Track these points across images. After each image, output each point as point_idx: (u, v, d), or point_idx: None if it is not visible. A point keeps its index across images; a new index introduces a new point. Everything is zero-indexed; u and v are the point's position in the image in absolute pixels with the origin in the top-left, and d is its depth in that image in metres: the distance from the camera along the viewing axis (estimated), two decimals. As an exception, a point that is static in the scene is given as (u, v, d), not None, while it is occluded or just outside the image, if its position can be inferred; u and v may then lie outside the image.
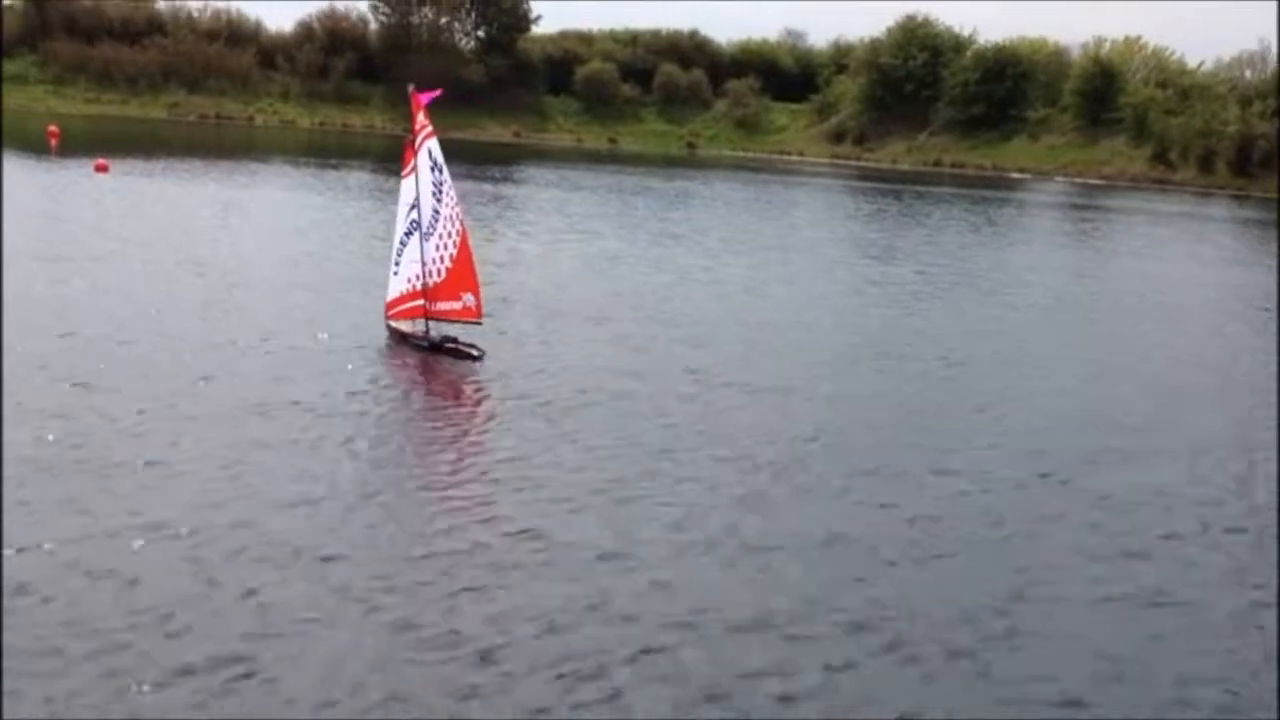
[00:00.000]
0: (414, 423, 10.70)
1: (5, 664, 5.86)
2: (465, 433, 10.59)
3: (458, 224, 12.90)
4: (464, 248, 12.84)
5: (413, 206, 13.18)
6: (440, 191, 12.82)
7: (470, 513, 8.42)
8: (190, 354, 12.21)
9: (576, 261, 22.11)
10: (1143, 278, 27.67)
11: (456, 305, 12.94)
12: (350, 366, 12.39)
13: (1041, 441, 11.81)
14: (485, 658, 6.32)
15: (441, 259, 12.91)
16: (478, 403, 11.50)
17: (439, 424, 10.63)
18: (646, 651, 6.59)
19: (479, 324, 13.08)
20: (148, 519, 7.75)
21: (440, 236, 12.89)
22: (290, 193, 33.33)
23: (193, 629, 6.38)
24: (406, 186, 13.24)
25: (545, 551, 7.81)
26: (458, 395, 11.88)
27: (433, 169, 12.80)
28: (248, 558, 7.38)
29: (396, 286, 13.47)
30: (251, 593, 6.86)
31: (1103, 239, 38.58)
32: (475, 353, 12.80)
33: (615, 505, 8.86)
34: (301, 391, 11.01)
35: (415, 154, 12.95)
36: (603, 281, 19.79)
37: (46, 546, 7.29)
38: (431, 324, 13.30)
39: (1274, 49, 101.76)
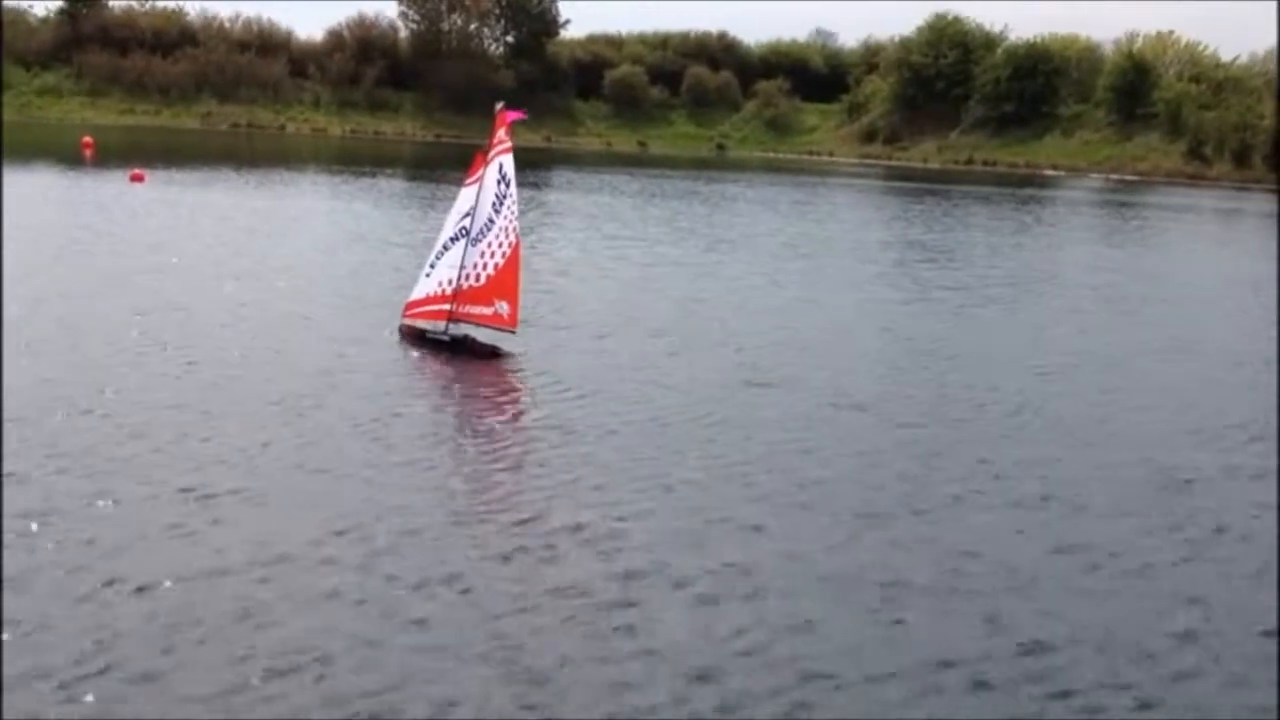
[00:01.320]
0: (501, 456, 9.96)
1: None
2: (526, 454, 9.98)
3: (512, 236, 13.00)
4: (513, 259, 12.94)
5: (467, 215, 13.27)
6: (501, 203, 12.96)
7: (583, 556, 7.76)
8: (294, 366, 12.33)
9: (638, 269, 21.58)
10: (1209, 274, 27.01)
11: (488, 311, 13.02)
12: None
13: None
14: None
15: (484, 265, 13.03)
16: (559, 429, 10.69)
17: (498, 456, 9.90)
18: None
19: (512, 332, 13.11)
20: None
21: (489, 244, 13.02)
22: (333, 201, 33.25)
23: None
24: (465, 195, 13.34)
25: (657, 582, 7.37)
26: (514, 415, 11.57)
27: (499, 182, 12.96)
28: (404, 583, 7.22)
29: (424, 288, 13.58)
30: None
31: (1155, 235, 38.00)
32: (482, 349, 13.05)
33: (737, 532, 8.16)
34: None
35: (485, 165, 13.10)
36: (667, 290, 19.16)
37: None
38: (452, 325, 13.37)
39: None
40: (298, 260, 20.41)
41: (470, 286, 13.08)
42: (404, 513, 8.11)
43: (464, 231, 13.23)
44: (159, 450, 9.09)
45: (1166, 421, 12.30)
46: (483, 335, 13.36)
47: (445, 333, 13.36)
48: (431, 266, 13.52)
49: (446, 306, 13.31)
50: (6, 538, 7.25)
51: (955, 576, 7.65)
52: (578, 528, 8.01)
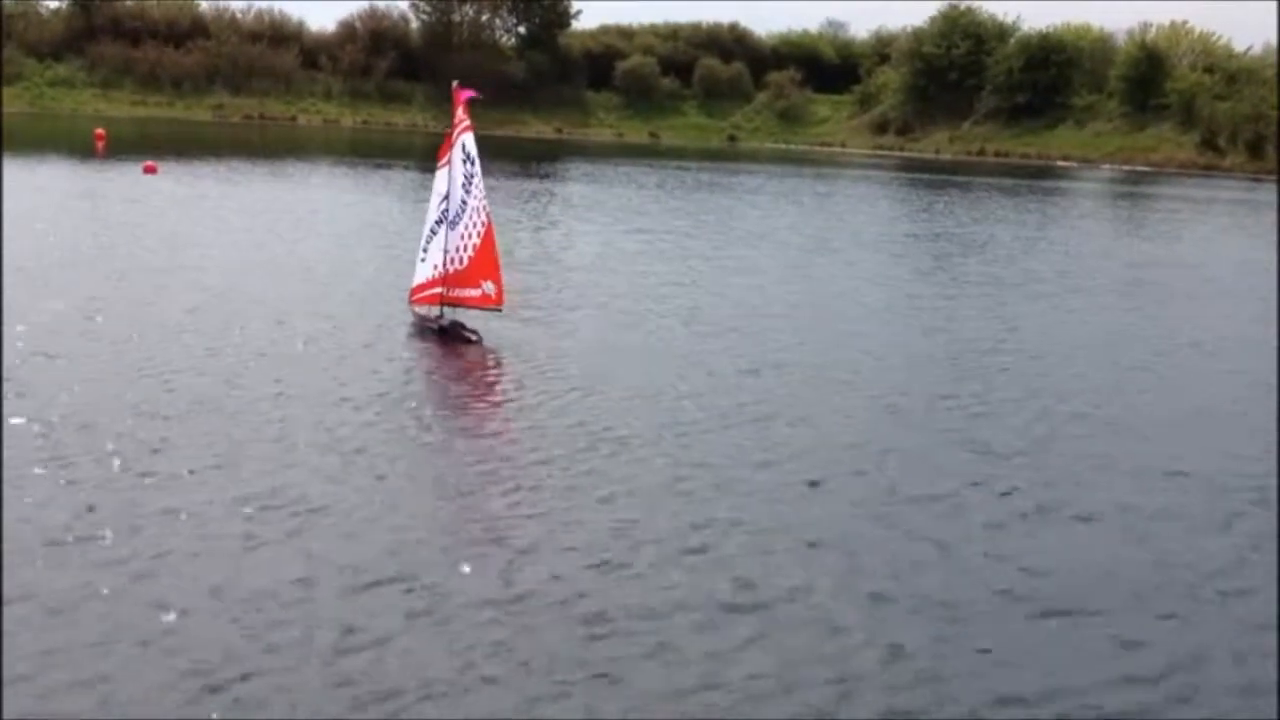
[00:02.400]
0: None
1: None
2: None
3: (484, 215, 13.18)
4: (488, 238, 13.14)
5: (444, 198, 13.47)
6: (470, 183, 13.12)
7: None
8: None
9: (672, 265, 21.16)
10: (1256, 268, 26.25)
11: (475, 292, 13.27)
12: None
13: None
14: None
15: (464, 248, 13.26)
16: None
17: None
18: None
19: (499, 310, 13.38)
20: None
21: (465, 226, 13.23)
22: (350, 194, 33.16)
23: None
24: (440, 178, 13.55)
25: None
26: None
27: (465, 161, 13.08)
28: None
29: (422, 273, 13.86)
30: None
31: (1183, 227, 37.36)
32: (473, 338, 13.18)
33: (807, 549, 7.79)
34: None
35: (450, 147, 13.24)
36: (708, 286, 18.79)
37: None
38: (447, 310, 13.67)
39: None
40: (324, 253, 20.36)
41: (455, 270, 13.36)
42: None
43: (444, 215, 13.47)
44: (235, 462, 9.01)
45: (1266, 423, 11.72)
46: (470, 320, 13.62)
47: (440, 318, 13.70)
48: (425, 251, 13.79)
49: (439, 290, 13.62)
50: (72, 540, 7.22)
51: (1047, 594, 7.25)
52: (672, 538, 7.83)
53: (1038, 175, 66.96)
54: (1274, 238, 30.72)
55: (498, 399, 11.60)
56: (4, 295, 13.77)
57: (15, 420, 9.34)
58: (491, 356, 12.96)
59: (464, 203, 13.17)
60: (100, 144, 45.76)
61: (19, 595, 6.44)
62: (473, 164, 13.05)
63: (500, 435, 10.36)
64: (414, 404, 10.89)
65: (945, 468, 9.69)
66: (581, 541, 7.65)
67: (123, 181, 31.84)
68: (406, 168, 45.14)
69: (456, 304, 13.54)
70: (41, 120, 70.47)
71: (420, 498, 8.51)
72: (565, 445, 9.69)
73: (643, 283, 18.78)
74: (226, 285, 16.18)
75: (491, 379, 12.37)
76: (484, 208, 13.14)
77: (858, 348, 14.57)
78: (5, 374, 10.64)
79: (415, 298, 14.13)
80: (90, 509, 7.71)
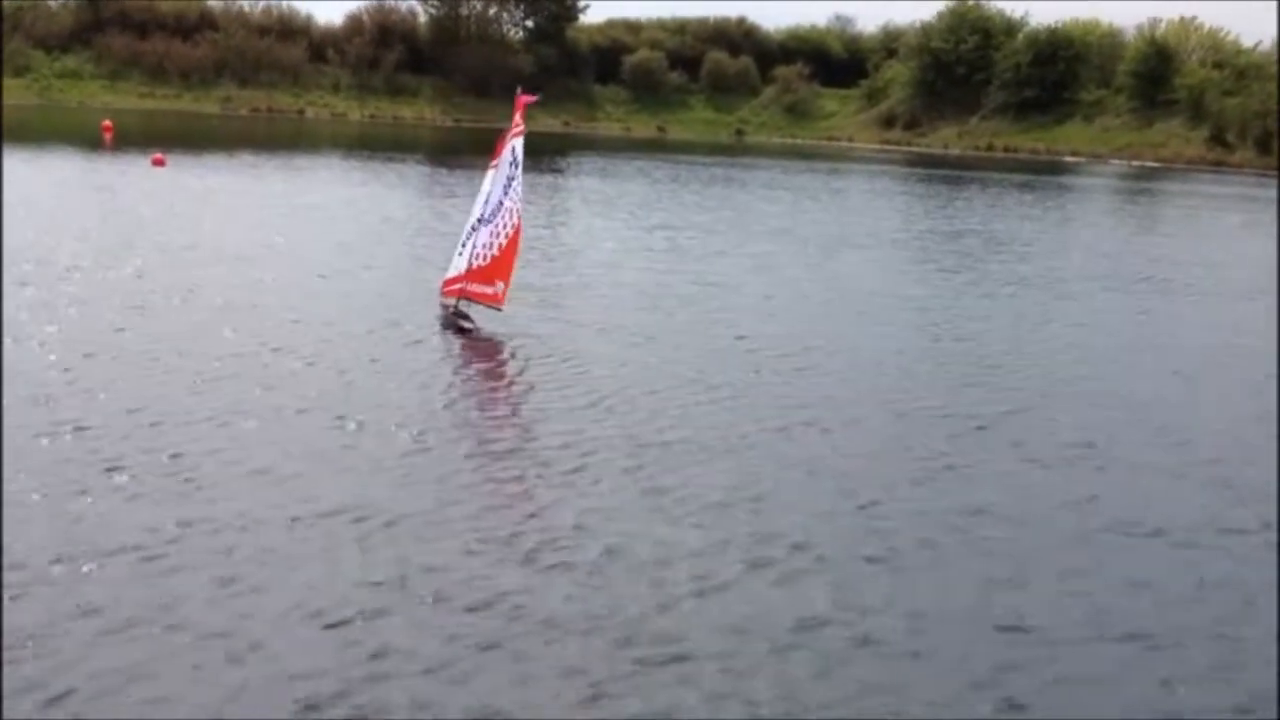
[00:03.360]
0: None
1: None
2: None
3: (515, 218, 13.44)
4: (514, 240, 13.45)
5: (487, 197, 13.79)
6: (509, 185, 13.41)
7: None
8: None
9: (699, 262, 20.59)
10: None
11: (488, 290, 13.58)
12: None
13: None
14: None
15: (490, 246, 13.56)
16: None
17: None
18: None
19: (499, 310, 13.60)
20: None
21: (496, 226, 13.52)
22: (363, 188, 32.81)
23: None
24: (488, 178, 13.87)
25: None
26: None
27: (511, 164, 13.41)
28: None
29: (455, 267, 14.22)
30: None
31: (1205, 223, 37.22)
32: (469, 326, 13.52)
33: (874, 566, 7.52)
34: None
35: (500, 150, 13.59)
36: (740, 286, 18.30)
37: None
38: (462, 303, 13.91)
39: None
40: (345, 247, 20.19)
41: (479, 266, 13.69)
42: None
43: (483, 214, 13.78)
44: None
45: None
46: (475, 314, 13.81)
47: (453, 310, 13.97)
48: (463, 246, 14.06)
49: (461, 284, 13.91)
50: (157, 549, 7.08)
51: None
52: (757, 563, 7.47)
53: (1048, 170, 66.75)
54: None
55: (537, 401, 11.16)
56: (30, 293, 13.82)
57: (67, 424, 9.15)
58: (526, 355, 12.75)
59: (500, 203, 13.46)
60: (108, 136, 45.80)
61: (93, 608, 6.27)
62: (517, 167, 13.39)
63: (536, 434, 10.11)
64: (450, 407, 10.74)
65: (1006, 477, 9.42)
66: (649, 556, 7.43)
67: (132, 173, 31.83)
68: (419, 161, 45.14)
69: (471, 298, 13.80)
70: (49, 112, 70.49)
71: (473, 505, 8.20)
72: (614, 449, 9.45)
73: (673, 279, 18.48)
74: (253, 281, 16.10)
75: (531, 380, 11.88)
76: (517, 210, 13.43)
77: (897, 349, 14.14)
78: (48, 378, 10.50)
79: (444, 290, 14.45)
80: (159, 519, 7.51)
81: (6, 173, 25.33)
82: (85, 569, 6.66)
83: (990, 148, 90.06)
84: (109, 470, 8.23)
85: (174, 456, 8.57)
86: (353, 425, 9.67)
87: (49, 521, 7.27)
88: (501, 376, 12.30)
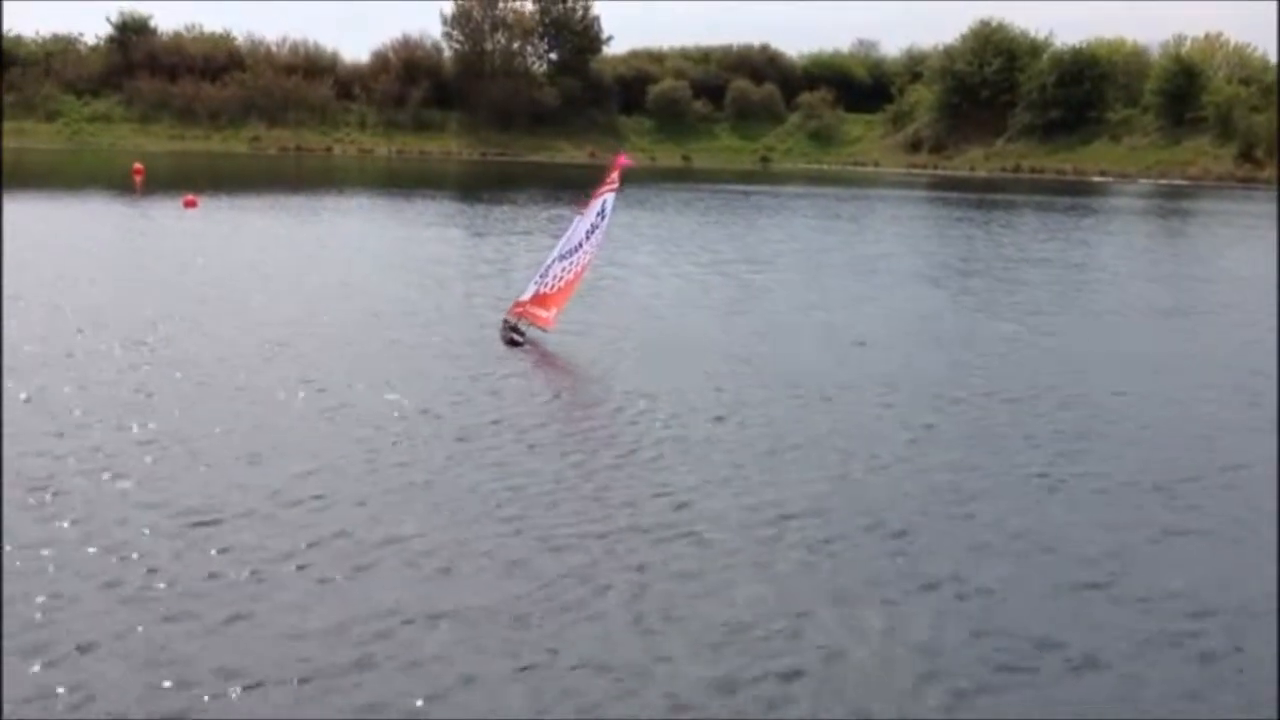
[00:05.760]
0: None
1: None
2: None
3: (586, 259, 15.09)
4: (577, 277, 15.11)
5: (569, 237, 15.35)
6: (591, 233, 15.03)
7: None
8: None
9: (758, 298, 19.76)
10: None
11: (545, 314, 15.08)
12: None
13: None
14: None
15: (560, 278, 15.15)
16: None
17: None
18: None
19: (545, 330, 14.97)
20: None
21: (570, 262, 15.14)
22: (412, 228, 32.67)
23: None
24: (575, 221, 15.38)
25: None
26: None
27: (598, 215, 14.96)
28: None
29: (528, 291, 15.61)
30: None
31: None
32: (519, 339, 14.92)
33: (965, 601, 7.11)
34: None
35: (593, 200, 15.11)
36: (816, 318, 17.56)
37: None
38: (520, 321, 15.30)
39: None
40: (391, 284, 20.02)
41: (545, 292, 15.24)
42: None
43: (563, 250, 15.35)
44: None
45: None
46: (530, 333, 14.89)
47: (513, 326, 15.25)
48: (540, 276, 15.46)
49: (525, 306, 15.39)
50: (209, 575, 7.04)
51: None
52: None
53: (1078, 191, 66.06)
54: None
55: (603, 426, 11.05)
56: (92, 339, 13.88)
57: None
58: (600, 389, 12.76)
59: (579, 245, 15.09)
60: (139, 179, 46.16)
61: (186, 613, 6.36)
62: (603, 219, 14.96)
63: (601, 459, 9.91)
64: (520, 436, 10.44)
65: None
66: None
67: (164, 218, 31.93)
68: (450, 198, 45.18)
69: (530, 319, 15.23)
70: (81, 156, 71.30)
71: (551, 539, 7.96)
72: (686, 479, 9.26)
73: (742, 314, 17.98)
74: (299, 318, 16.08)
75: (599, 410, 11.82)
76: (590, 254, 15.06)
77: (974, 378, 13.43)
78: (120, 413, 10.49)
79: (515, 310, 15.69)
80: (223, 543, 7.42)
81: (48, 218, 25.41)
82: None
83: (1017, 169, 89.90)
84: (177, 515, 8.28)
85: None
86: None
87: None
88: (571, 408, 12.14)
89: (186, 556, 7.30)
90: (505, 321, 15.38)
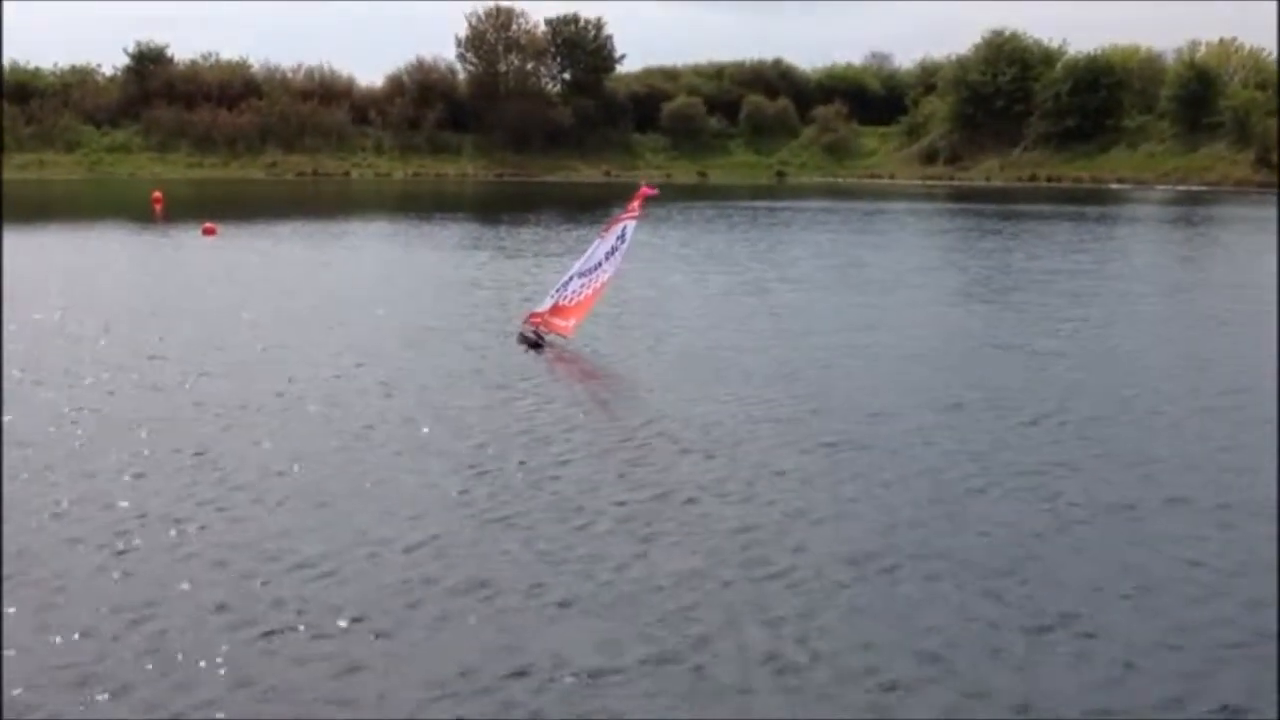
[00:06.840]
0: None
1: None
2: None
3: (605, 277, 15.97)
4: (597, 292, 15.99)
5: (589, 256, 16.21)
6: (611, 254, 15.92)
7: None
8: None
9: (806, 320, 19.05)
10: None
11: (564, 324, 16.09)
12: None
13: None
14: None
15: (579, 293, 16.11)
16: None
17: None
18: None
19: (564, 337, 15.95)
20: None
21: (589, 279, 16.03)
22: (435, 252, 32.33)
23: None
24: (595, 242, 16.31)
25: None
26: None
27: (618, 238, 15.86)
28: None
29: (546, 303, 16.61)
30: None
31: None
32: (540, 342, 16.05)
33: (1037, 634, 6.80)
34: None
35: (614, 224, 16.07)
36: (868, 340, 16.92)
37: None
38: (541, 330, 16.34)
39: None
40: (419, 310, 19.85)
41: (564, 304, 16.25)
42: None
43: (583, 268, 16.28)
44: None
45: None
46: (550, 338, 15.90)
47: (534, 333, 16.33)
48: (556, 291, 16.49)
49: (543, 315, 16.46)
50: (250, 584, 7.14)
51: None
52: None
53: (1098, 200, 65.66)
54: None
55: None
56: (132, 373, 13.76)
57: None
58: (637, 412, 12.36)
59: (599, 264, 16.00)
60: (158, 207, 46.16)
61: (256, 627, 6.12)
62: (623, 241, 15.84)
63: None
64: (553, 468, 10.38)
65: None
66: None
67: (187, 245, 31.94)
68: (470, 219, 45.06)
69: (548, 328, 16.24)
70: (100, 186, 71.63)
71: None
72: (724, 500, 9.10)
73: (793, 335, 17.42)
74: (330, 348, 15.92)
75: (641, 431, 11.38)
76: (610, 273, 15.86)
77: (1026, 393, 13.05)
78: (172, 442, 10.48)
79: (529, 318, 16.74)
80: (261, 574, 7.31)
81: (73, 250, 25.45)
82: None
83: (1034, 178, 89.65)
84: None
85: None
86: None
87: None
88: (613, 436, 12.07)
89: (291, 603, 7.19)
90: (522, 332, 16.59)
